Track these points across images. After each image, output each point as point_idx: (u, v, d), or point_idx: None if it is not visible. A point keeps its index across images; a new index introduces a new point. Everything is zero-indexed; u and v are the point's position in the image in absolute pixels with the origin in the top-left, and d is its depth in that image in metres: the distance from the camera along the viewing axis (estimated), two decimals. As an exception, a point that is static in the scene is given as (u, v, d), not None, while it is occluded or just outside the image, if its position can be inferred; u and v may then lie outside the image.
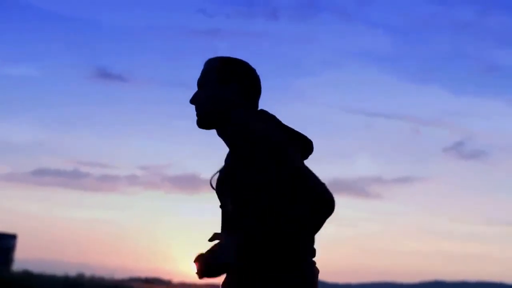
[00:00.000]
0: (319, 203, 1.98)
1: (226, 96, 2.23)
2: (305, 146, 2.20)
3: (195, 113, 2.28)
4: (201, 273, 2.08)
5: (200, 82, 2.29)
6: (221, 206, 2.24)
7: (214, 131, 2.28)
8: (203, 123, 2.27)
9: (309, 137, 2.21)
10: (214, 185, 2.26)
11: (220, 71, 2.26)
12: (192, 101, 2.29)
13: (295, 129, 2.19)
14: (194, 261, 2.08)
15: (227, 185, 2.17)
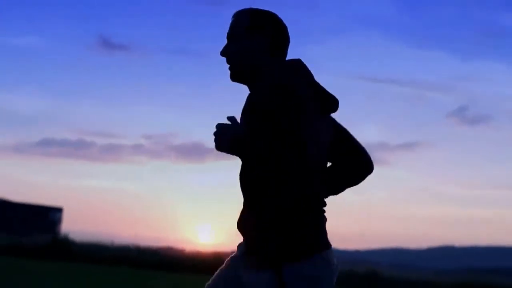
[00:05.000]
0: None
1: (256, 47, 2.25)
2: (328, 103, 2.23)
3: (227, 66, 2.28)
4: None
5: (230, 35, 2.30)
6: None
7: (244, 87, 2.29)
8: (236, 76, 2.28)
9: None
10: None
11: (249, 23, 2.26)
12: (223, 53, 2.29)
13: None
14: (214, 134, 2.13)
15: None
